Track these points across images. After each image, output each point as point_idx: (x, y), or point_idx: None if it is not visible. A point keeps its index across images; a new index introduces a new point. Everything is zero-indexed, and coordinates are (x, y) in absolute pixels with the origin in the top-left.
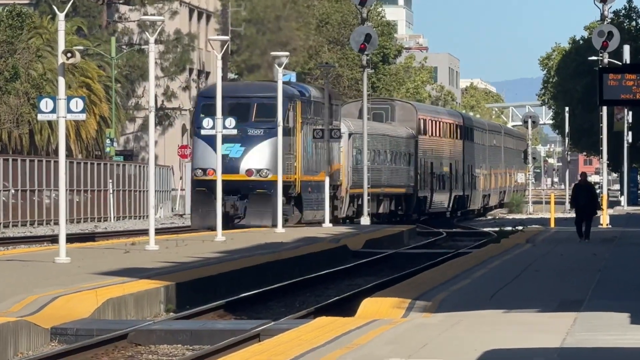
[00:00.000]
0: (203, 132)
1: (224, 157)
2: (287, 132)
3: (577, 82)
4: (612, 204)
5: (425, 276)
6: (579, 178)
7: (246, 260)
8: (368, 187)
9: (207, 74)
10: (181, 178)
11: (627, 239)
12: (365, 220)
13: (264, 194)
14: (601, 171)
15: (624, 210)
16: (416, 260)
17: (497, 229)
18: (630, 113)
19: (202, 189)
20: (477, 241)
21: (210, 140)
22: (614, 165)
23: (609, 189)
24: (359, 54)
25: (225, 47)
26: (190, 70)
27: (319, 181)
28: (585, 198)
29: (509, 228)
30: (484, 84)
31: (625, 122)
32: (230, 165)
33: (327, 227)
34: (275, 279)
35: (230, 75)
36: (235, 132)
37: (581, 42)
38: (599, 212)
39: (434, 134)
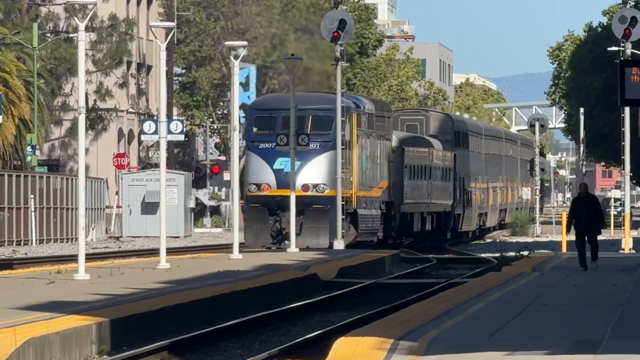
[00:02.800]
0: (260, 146)
1: (279, 171)
2: (348, 146)
3: (594, 77)
4: (636, 224)
5: (411, 311)
6: (579, 190)
7: (195, 292)
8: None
9: (149, 67)
10: (117, 193)
11: None
12: (338, 244)
13: (320, 210)
14: (623, 185)
15: None
16: (400, 291)
17: (497, 254)
18: None
19: (256, 205)
20: (474, 269)
21: (265, 154)
22: (639, 177)
23: (632, 207)
24: (331, 43)
25: (171, 35)
26: (128, 64)
27: (374, 197)
28: (587, 214)
29: (512, 253)
30: (481, 80)
31: None
32: (285, 180)
33: (293, 252)
34: (230, 314)
35: (177, 69)
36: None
37: (599, 29)
38: (602, 230)
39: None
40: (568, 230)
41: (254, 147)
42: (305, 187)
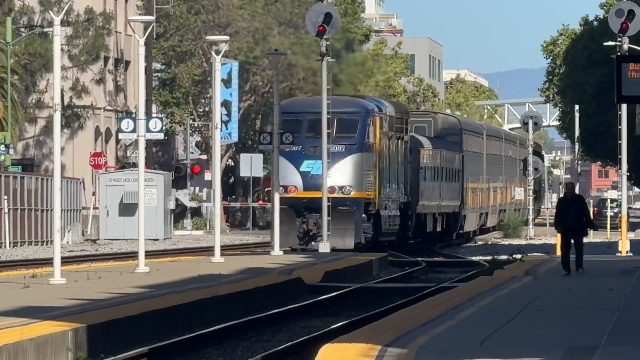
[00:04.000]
0: (286, 148)
1: (306, 174)
2: (368, 148)
3: (590, 73)
4: (634, 226)
5: (399, 316)
6: (566, 189)
7: (175, 296)
8: (328, 203)
9: (127, 63)
10: (94, 194)
11: None
12: (324, 247)
13: (346, 212)
14: (620, 185)
15: None
16: (388, 296)
17: (489, 257)
18: None
19: (284, 206)
20: (465, 273)
21: (292, 157)
22: (637, 177)
23: (629, 208)
24: (316, 38)
25: (150, 30)
26: (106, 59)
27: (394, 198)
28: (574, 215)
29: (504, 256)
30: (472, 76)
31: None
32: (312, 182)
33: (277, 255)
34: (212, 319)
35: (156, 65)
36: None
37: (595, 23)
38: (590, 232)
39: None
40: (557, 228)
41: (281, 150)
42: (331, 189)
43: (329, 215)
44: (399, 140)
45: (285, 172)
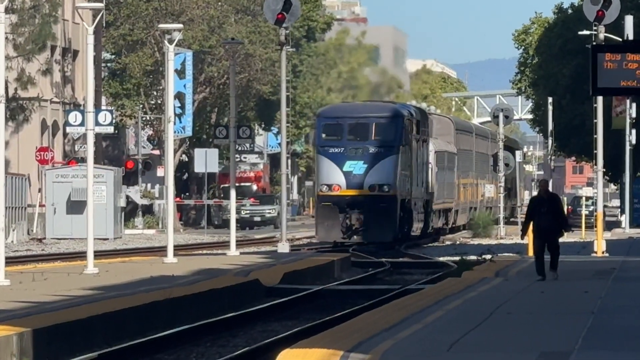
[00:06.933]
0: (330, 150)
1: (349, 173)
2: (403, 150)
3: (564, 64)
4: (610, 225)
5: (363, 320)
6: (539, 187)
7: (126, 299)
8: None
9: (75, 53)
10: (40, 190)
11: (629, 271)
12: (283, 247)
13: (385, 208)
14: (595, 182)
15: (625, 233)
16: (351, 299)
17: (457, 258)
18: (634, 105)
19: (328, 203)
20: (432, 274)
21: (335, 158)
22: (613, 174)
23: (605, 206)
24: (275, 26)
25: (99, 18)
26: (53, 49)
27: (420, 197)
28: (548, 216)
29: (473, 257)
30: (440, 67)
31: (628, 117)
32: (354, 181)
33: (234, 256)
34: (165, 323)
35: (106, 55)
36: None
37: (570, 11)
38: (566, 233)
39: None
40: (523, 235)
41: (324, 151)
42: (372, 187)
43: (366, 212)
44: (424, 143)
45: (328, 171)
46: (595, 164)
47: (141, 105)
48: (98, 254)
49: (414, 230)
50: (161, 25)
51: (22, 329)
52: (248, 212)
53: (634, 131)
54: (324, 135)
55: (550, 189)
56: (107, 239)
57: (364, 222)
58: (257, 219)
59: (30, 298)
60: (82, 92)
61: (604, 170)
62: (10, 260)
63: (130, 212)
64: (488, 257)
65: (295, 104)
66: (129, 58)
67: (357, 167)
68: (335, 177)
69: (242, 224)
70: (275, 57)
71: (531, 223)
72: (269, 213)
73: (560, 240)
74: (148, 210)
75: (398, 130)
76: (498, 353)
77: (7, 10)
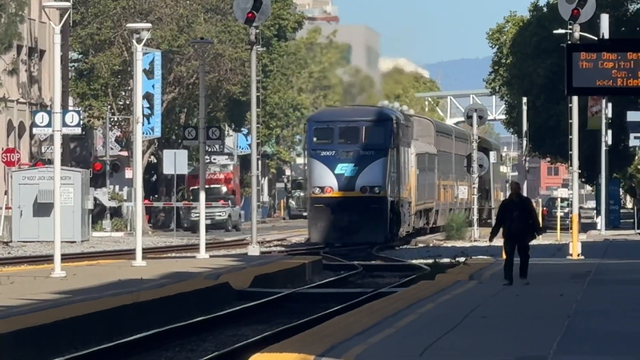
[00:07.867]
0: (321, 153)
1: (340, 176)
2: (392, 153)
3: (539, 63)
4: (586, 227)
5: (334, 324)
6: (511, 190)
7: (94, 303)
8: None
9: (42, 52)
10: (6, 192)
11: (605, 274)
12: (254, 250)
13: (376, 209)
14: (571, 183)
15: (601, 235)
16: (322, 302)
17: (430, 261)
18: (610, 105)
19: (320, 205)
20: (404, 277)
21: (327, 161)
22: (588, 175)
23: (580, 207)
24: (245, 26)
25: (66, 17)
26: (19, 48)
27: (406, 198)
28: (519, 220)
29: (447, 260)
30: (412, 66)
31: (603, 117)
32: (345, 183)
33: (203, 259)
34: (133, 327)
35: (73, 55)
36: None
37: (544, 9)
38: (539, 237)
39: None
40: (492, 238)
41: (316, 154)
42: (363, 189)
43: (358, 213)
44: (408, 147)
45: (320, 174)
46: (571, 165)
47: (109, 106)
48: (65, 257)
49: (402, 232)
50: (129, 25)
51: None
52: (197, 214)
53: (609, 132)
54: (315, 139)
55: (523, 191)
56: (75, 241)
57: (355, 223)
58: (208, 221)
59: None
60: (49, 93)
61: (580, 171)
62: None
63: (97, 214)
64: (461, 259)
65: (265, 105)
66: (96, 58)
67: (348, 169)
68: (327, 179)
69: (192, 227)
70: (245, 56)
71: (501, 227)
72: (219, 216)
73: (535, 242)
74: (116, 212)
75: (387, 134)
76: (472, 357)
77: None
